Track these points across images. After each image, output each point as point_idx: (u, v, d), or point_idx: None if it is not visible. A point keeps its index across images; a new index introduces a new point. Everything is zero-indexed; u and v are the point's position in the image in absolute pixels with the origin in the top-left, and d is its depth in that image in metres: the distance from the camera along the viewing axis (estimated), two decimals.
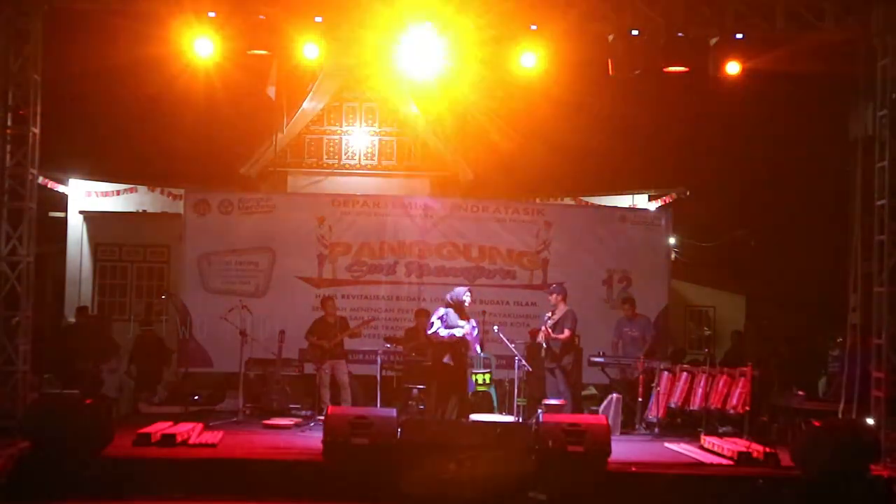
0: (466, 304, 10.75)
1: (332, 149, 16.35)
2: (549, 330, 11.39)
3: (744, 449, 9.41)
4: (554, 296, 11.68)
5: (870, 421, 9.61)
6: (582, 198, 17.70)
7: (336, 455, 8.66)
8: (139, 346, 13.71)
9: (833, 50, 10.98)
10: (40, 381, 11.91)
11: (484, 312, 11.89)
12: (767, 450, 9.23)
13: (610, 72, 10.43)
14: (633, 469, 8.91)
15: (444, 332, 10.52)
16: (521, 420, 10.90)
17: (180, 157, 16.66)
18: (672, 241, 15.55)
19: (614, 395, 11.62)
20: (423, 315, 12.53)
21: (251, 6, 9.96)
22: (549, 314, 11.54)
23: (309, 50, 10.44)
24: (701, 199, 17.90)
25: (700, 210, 18.26)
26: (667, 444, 10.52)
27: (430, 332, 10.72)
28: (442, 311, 10.59)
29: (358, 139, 16.23)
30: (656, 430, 11.26)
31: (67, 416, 8.54)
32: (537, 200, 16.41)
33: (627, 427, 11.56)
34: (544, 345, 11.45)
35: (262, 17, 9.98)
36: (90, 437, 8.58)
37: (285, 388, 12.04)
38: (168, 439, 9.29)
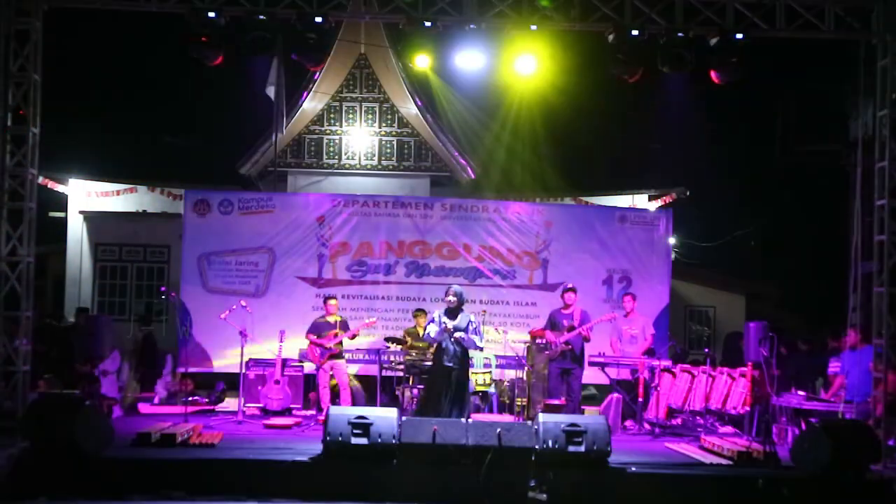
0: (451, 301, 10.33)
1: (332, 149, 16.36)
2: (568, 331, 11.37)
3: (744, 449, 9.41)
4: (570, 294, 11.63)
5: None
6: (582, 198, 17.73)
7: (336, 455, 8.66)
8: (141, 348, 13.69)
9: (833, 50, 10.99)
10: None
11: (484, 312, 11.88)
12: (767, 450, 9.24)
13: (610, 72, 10.42)
14: (633, 469, 8.91)
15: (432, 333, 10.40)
16: (521, 420, 10.89)
17: (180, 157, 16.69)
18: (672, 241, 15.56)
19: (614, 395, 11.61)
20: (423, 315, 12.56)
21: (251, 6, 9.95)
22: (582, 315, 11.44)
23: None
24: (701, 199, 17.93)
25: (700, 210, 18.29)
26: (667, 444, 10.51)
27: (425, 337, 10.73)
28: (436, 314, 10.48)
29: (358, 139, 16.24)
30: (656, 430, 11.27)
31: (67, 416, 8.53)
32: (537, 200, 16.42)
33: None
34: (558, 348, 11.38)
35: (261, 17, 9.97)
36: (90, 437, 8.58)
37: (285, 388, 12.05)
38: (168, 439, 9.28)
